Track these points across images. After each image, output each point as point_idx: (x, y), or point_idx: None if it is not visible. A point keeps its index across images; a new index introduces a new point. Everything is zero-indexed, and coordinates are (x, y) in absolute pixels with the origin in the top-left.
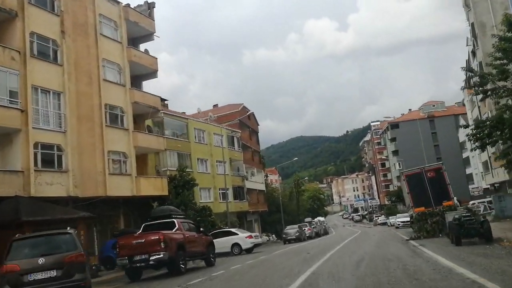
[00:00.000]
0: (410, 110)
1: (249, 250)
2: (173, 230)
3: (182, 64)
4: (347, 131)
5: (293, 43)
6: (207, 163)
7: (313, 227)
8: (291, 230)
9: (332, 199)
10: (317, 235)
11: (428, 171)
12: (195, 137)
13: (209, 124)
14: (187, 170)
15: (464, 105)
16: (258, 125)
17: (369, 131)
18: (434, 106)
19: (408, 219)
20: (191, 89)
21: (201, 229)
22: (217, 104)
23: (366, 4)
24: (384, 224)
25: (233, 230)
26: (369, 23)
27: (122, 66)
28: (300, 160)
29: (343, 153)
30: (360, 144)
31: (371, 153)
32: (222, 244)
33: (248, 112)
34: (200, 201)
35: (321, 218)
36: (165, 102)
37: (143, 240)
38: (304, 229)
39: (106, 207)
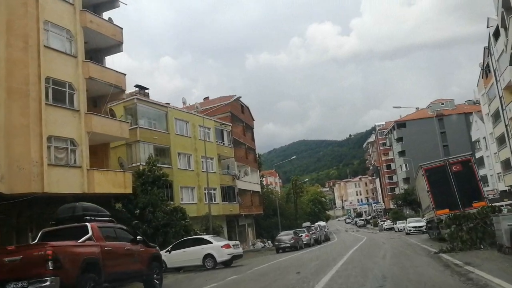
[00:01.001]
0: (417, 108)
1: (227, 263)
2: (81, 240)
3: (185, 67)
4: (350, 135)
5: (296, 47)
6: (191, 158)
7: (312, 233)
8: (285, 236)
9: (335, 203)
10: (317, 242)
11: (453, 164)
12: (176, 128)
13: (193, 115)
14: (165, 165)
15: (475, 103)
16: (253, 120)
17: (373, 132)
18: (443, 104)
19: (422, 224)
20: (194, 92)
21: (139, 237)
22: (208, 97)
23: (369, 9)
24: (391, 229)
25: (206, 237)
26: (372, 27)
27: (73, 33)
28: (302, 164)
29: (346, 157)
30: (364, 145)
31: (375, 155)
32: (191, 255)
33: (241, 104)
34: (181, 202)
35: (322, 223)
36: (146, 91)
37: (19, 258)
38: (301, 236)
39: (47, 207)
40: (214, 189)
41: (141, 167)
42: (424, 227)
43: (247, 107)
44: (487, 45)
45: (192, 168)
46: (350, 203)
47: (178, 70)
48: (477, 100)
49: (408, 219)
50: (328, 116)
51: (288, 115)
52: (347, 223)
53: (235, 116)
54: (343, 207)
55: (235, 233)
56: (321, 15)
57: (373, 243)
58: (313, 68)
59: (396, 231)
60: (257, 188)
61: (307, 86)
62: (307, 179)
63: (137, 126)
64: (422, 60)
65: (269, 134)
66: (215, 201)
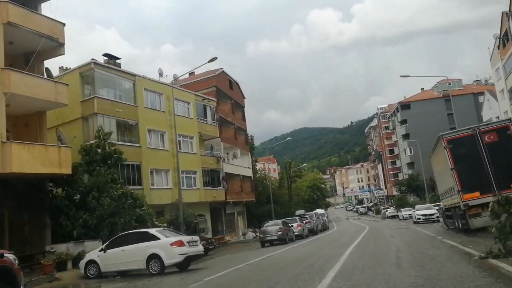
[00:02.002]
0: (422, 89)
1: (181, 266)
2: None
3: (187, 55)
4: (352, 122)
5: (297, 34)
6: (164, 136)
7: (306, 223)
8: (272, 227)
9: (336, 191)
10: (312, 232)
11: (485, 133)
12: (147, 101)
13: (168, 86)
14: (131, 144)
15: (486, 82)
16: (244, 98)
17: (375, 115)
18: (450, 84)
19: (433, 212)
20: None
21: None
22: (193, 72)
23: None
24: (394, 217)
25: (153, 231)
26: (374, 13)
27: None
28: (304, 152)
29: (347, 144)
30: (366, 130)
31: (377, 140)
32: (132, 255)
33: (229, 79)
34: (152, 187)
35: (320, 211)
36: (117, 61)
37: None
38: (292, 226)
39: None
40: (194, 173)
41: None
42: (437, 215)
43: (237, 83)
44: (491, 30)
45: (166, 147)
46: (351, 190)
47: (179, 58)
48: (486, 81)
49: (416, 206)
50: (330, 103)
51: (289, 102)
52: (348, 210)
53: (221, 92)
54: (344, 194)
55: (221, 222)
56: (322, 1)
57: (377, 235)
58: (315, 55)
59: (401, 219)
60: (248, 172)
61: (308, 73)
62: (305, 164)
63: (94, 96)
64: (424, 46)
65: (271, 122)
66: (195, 186)
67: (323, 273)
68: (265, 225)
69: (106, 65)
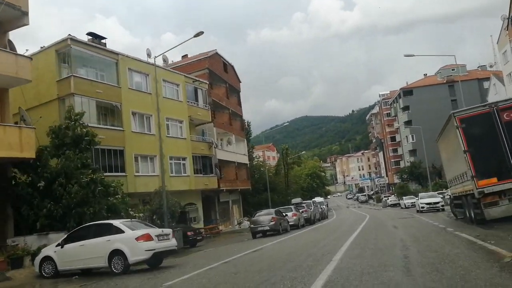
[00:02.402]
0: (425, 75)
1: (152, 263)
2: None
3: (187, 44)
4: (353, 111)
5: (298, 22)
6: (151, 120)
7: (302, 211)
8: (264, 217)
9: (336, 179)
10: (309, 222)
11: (504, 110)
12: (131, 82)
13: (155, 67)
14: (113, 127)
15: (490, 68)
16: (239, 82)
17: (377, 102)
18: (453, 70)
19: (437, 200)
20: None
21: None
22: (186, 55)
23: None
24: (395, 205)
25: (117, 223)
26: (376, 1)
27: None
28: (305, 140)
29: (348, 132)
30: (367, 117)
31: (379, 127)
32: (92, 251)
33: (223, 61)
34: (137, 174)
35: (319, 199)
36: (102, 40)
37: None
38: (286, 215)
39: None
40: (184, 159)
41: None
42: (441, 203)
43: (232, 66)
44: (493, 19)
45: (152, 132)
46: (352, 178)
47: (179, 47)
48: (491, 66)
49: (420, 194)
50: (331, 92)
51: (290, 91)
52: (348, 198)
53: (215, 75)
54: (344, 182)
55: (215, 211)
56: None
57: (379, 225)
58: (316, 43)
59: (402, 208)
60: (244, 159)
61: (309, 62)
62: (304, 151)
63: (70, 75)
64: (426, 35)
65: (272, 110)
66: (184, 173)
67: (310, 279)
68: (256, 214)
69: (85, 41)
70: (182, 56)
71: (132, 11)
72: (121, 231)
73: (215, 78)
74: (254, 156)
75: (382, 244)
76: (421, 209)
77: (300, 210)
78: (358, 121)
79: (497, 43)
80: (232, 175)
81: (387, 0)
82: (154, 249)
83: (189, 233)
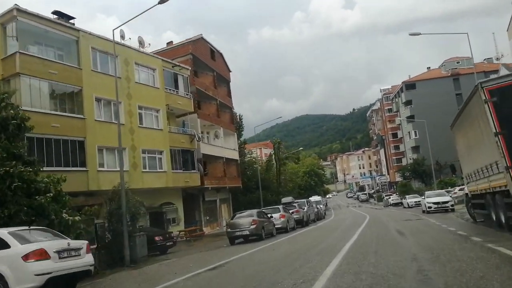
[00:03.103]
0: (429, 68)
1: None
2: None
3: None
4: (354, 109)
5: (299, 21)
6: (120, 108)
7: (293, 212)
8: (244, 219)
9: (336, 177)
10: (301, 223)
11: None
12: (95, 63)
13: (125, 47)
14: (72, 115)
15: (496, 60)
16: (229, 71)
17: (378, 99)
18: (458, 62)
19: (447, 199)
20: None
21: None
22: (171, 41)
23: None
24: (398, 204)
25: (2, 233)
26: (376, 0)
27: None
28: (305, 139)
29: (349, 131)
30: (368, 114)
31: (380, 124)
32: None
33: (210, 47)
34: (100, 169)
35: (317, 198)
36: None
37: None
38: (272, 217)
39: None
40: (160, 152)
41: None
42: (451, 203)
43: (220, 54)
44: (495, 19)
45: (121, 121)
46: (352, 176)
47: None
48: (497, 59)
49: (427, 193)
50: (332, 91)
51: (291, 90)
52: (349, 197)
53: (200, 61)
54: (345, 181)
55: (199, 211)
56: None
57: (381, 230)
58: (317, 43)
59: (405, 207)
60: (234, 155)
61: (310, 61)
62: (301, 148)
63: (16, 51)
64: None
65: (272, 109)
66: (160, 168)
67: None
68: (236, 216)
69: (35, 13)
70: (167, 43)
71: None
72: (6, 245)
73: (200, 66)
74: (246, 152)
75: (385, 266)
76: (428, 209)
77: (291, 211)
78: (359, 119)
79: (507, 30)
80: (220, 172)
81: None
82: (49, 273)
83: (157, 238)
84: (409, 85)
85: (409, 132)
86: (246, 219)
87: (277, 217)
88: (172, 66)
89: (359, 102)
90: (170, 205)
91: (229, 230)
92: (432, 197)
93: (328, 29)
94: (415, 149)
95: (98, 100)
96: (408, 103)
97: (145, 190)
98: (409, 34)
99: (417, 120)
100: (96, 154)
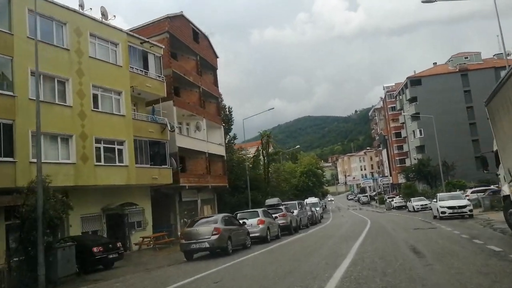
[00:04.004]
0: (435, 63)
1: None
2: None
3: None
4: (356, 111)
5: (302, 22)
6: (67, 86)
7: (279, 217)
8: (203, 227)
9: (337, 179)
10: (288, 230)
11: None
12: (32, 29)
13: (76, 13)
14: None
15: (508, 56)
16: (216, 57)
17: (381, 97)
18: (467, 58)
19: (464, 203)
20: None
21: None
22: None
23: None
24: (401, 208)
25: None
26: (379, 2)
27: None
28: (307, 140)
29: (351, 132)
30: (370, 113)
31: (382, 123)
32: None
33: (193, 28)
34: (33, 160)
35: (313, 199)
36: None
37: None
38: (245, 223)
39: None
40: (120, 143)
41: None
42: (470, 208)
43: (206, 37)
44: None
45: (68, 103)
46: (354, 178)
47: None
48: (508, 54)
49: (439, 195)
50: (334, 93)
51: (294, 91)
52: (349, 199)
53: (179, 42)
54: (345, 182)
55: (174, 214)
56: None
57: (386, 246)
58: (320, 44)
59: (410, 211)
60: (220, 151)
61: (313, 62)
62: (298, 146)
63: None
64: (430, 36)
65: (275, 110)
66: (120, 162)
67: None
68: (194, 223)
69: None
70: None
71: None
72: None
73: (180, 48)
74: (235, 148)
75: None
76: (440, 215)
77: (275, 215)
78: (361, 121)
79: None
80: (201, 169)
81: (391, 2)
82: None
83: (95, 249)
84: (414, 81)
85: (413, 131)
86: (206, 227)
87: (254, 224)
88: (141, 43)
89: (361, 104)
90: (133, 207)
91: (183, 241)
92: (446, 200)
93: (331, 31)
94: (420, 148)
95: (34, 74)
96: (413, 100)
97: (100, 188)
98: (422, 2)
99: (423, 116)
100: (29, 142)
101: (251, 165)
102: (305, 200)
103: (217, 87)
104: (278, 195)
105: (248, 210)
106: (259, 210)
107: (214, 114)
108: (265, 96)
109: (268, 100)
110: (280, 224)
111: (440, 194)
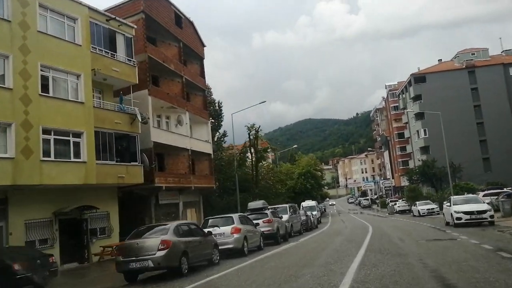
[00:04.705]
0: (440, 60)
1: None
2: None
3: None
4: (357, 114)
5: (303, 26)
6: (6, 64)
7: (261, 223)
8: (149, 240)
9: (338, 182)
10: (274, 239)
11: None
12: None
13: None
14: None
15: None
16: (203, 46)
17: (382, 97)
18: (473, 54)
19: (485, 208)
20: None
21: None
22: None
23: None
24: (405, 212)
25: None
26: (381, 6)
27: None
28: (308, 143)
29: (352, 135)
30: (371, 114)
31: (384, 124)
32: None
33: (175, 10)
34: None
35: (310, 203)
36: None
37: None
38: (209, 234)
39: None
40: (77, 135)
41: None
42: (490, 214)
43: (192, 23)
44: (501, 24)
45: (7, 84)
46: (354, 181)
47: None
48: None
49: (453, 198)
50: (335, 96)
51: (295, 94)
52: (350, 203)
53: (158, 25)
54: (346, 185)
55: (149, 219)
56: None
57: (400, 271)
58: (321, 47)
59: (415, 216)
60: (206, 148)
61: (314, 65)
62: (295, 145)
63: None
64: (432, 40)
65: (276, 113)
66: (76, 157)
67: None
68: (141, 234)
69: None
70: None
71: None
72: None
73: (159, 32)
74: (226, 147)
75: None
76: (455, 221)
77: (258, 221)
78: (362, 124)
79: None
80: (183, 168)
81: (392, 5)
82: None
83: (16, 267)
84: (418, 78)
85: (417, 131)
86: (151, 240)
87: (227, 232)
88: (107, 20)
89: (362, 107)
90: (94, 210)
91: (120, 258)
92: (462, 205)
93: (332, 34)
94: (424, 149)
95: None
96: (417, 98)
97: (52, 189)
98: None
99: (430, 111)
100: None
101: (240, 162)
102: (302, 203)
103: (204, 78)
104: (271, 198)
105: (221, 216)
106: (235, 216)
107: (200, 107)
108: (266, 99)
109: (269, 103)
110: (265, 232)
111: (455, 197)
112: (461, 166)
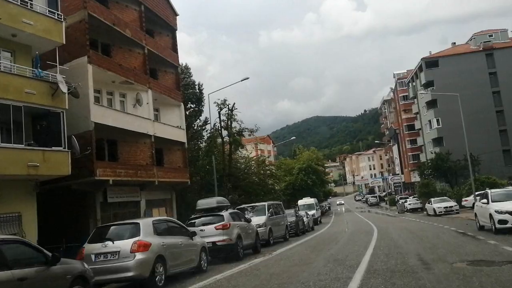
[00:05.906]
0: (454, 43)
1: None
2: None
3: (201, 45)
4: (365, 110)
5: (310, 23)
6: None
7: (205, 232)
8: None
9: (345, 179)
10: (232, 251)
11: None
12: None
13: None
14: None
15: None
16: (176, 15)
17: (390, 87)
18: (491, 36)
19: None
20: (210, 70)
21: None
22: None
23: None
24: (417, 210)
25: None
26: (388, 2)
27: None
28: (315, 140)
29: (360, 132)
30: (379, 106)
31: (393, 116)
32: None
33: None
34: None
35: (308, 200)
36: None
37: None
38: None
39: None
40: None
41: None
42: None
43: None
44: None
45: None
46: (362, 177)
47: (193, 48)
48: None
49: (491, 193)
50: (343, 93)
51: (302, 92)
52: (357, 200)
53: None
54: (354, 182)
55: (94, 221)
56: None
57: None
58: (328, 44)
59: (430, 215)
60: (177, 136)
61: (321, 62)
62: (294, 137)
63: None
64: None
65: (284, 111)
66: None
67: None
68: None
69: None
70: None
71: None
72: None
73: None
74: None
75: None
76: (497, 225)
77: (206, 227)
78: (370, 121)
79: None
80: (144, 158)
81: (400, 1)
82: None
83: None
84: (430, 63)
85: (429, 121)
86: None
87: (125, 251)
88: None
89: (370, 104)
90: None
91: None
92: (504, 202)
93: (339, 31)
94: (437, 141)
95: None
96: (428, 84)
97: None
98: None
99: (445, 94)
100: None
101: (207, 149)
102: (298, 201)
103: (177, 53)
104: (261, 195)
105: (120, 223)
106: (142, 222)
107: (171, 87)
108: (274, 97)
109: (277, 101)
110: (217, 243)
111: (493, 191)
112: (479, 158)
